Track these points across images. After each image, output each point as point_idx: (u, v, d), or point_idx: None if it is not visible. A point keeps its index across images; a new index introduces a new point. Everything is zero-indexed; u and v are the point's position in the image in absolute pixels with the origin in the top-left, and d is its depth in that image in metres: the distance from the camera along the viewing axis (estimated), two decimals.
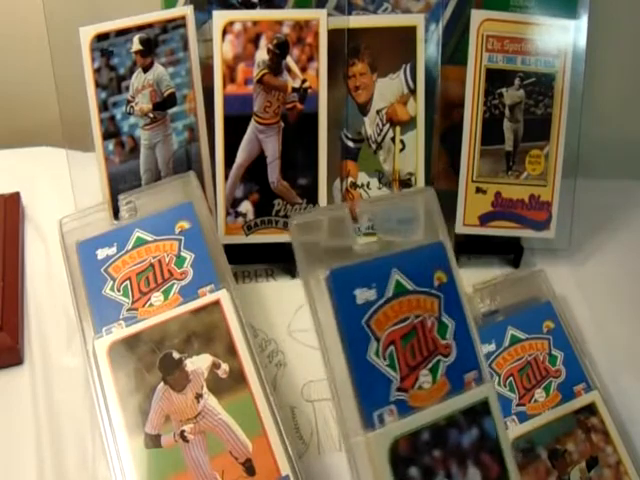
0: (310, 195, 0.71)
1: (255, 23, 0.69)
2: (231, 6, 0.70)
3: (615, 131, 0.91)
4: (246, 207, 0.71)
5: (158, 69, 0.68)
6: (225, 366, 0.56)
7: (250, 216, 0.71)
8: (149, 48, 0.67)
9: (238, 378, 0.56)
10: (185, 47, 0.68)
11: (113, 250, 0.60)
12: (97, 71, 0.66)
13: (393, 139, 0.73)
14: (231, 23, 0.68)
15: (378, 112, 0.72)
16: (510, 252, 0.77)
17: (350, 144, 0.73)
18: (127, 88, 0.67)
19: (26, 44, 0.82)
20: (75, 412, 0.61)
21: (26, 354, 0.65)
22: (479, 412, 0.50)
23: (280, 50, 0.69)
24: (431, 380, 0.49)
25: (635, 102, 0.91)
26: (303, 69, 0.69)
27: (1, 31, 0.83)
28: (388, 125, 0.72)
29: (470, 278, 0.68)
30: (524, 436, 0.61)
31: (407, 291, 0.50)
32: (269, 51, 0.69)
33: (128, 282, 0.59)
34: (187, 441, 0.54)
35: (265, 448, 0.53)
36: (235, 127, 0.69)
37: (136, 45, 0.67)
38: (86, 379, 0.57)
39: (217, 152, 0.70)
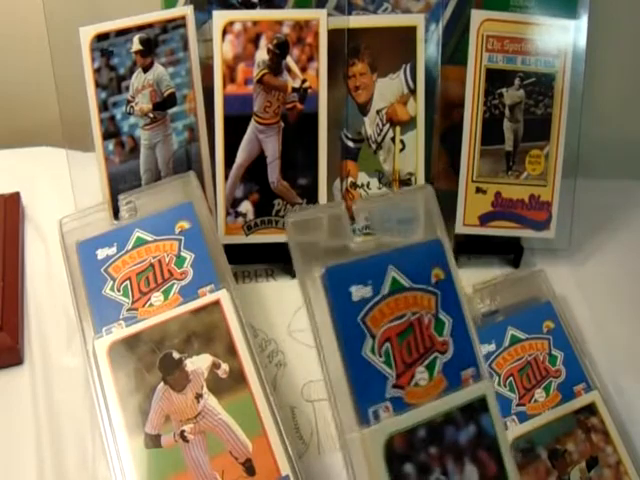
0: (310, 195, 0.71)
1: (255, 23, 0.69)
2: (231, 6, 0.70)
3: (615, 131, 0.91)
4: (246, 207, 0.71)
5: (158, 69, 0.68)
6: (225, 366, 0.56)
7: (250, 216, 0.71)
8: (149, 48, 0.67)
9: (238, 378, 0.56)
10: (185, 47, 0.68)
11: (113, 250, 0.60)
12: (97, 71, 0.66)
13: (393, 139, 0.73)
14: (231, 23, 0.68)
15: (378, 112, 0.72)
16: (510, 252, 0.77)
17: (350, 144, 0.73)
18: (127, 88, 0.67)
19: (26, 44, 0.82)
20: (75, 412, 0.61)
21: (26, 354, 0.65)
22: (476, 409, 0.50)
23: (280, 50, 0.69)
24: (427, 377, 0.49)
25: (635, 102, 0.91)
26: (303, 69, 0.69)
27: (1, 31, 0.83)
28: (388, 125, 0.72)
29: (470, 278, 0.68)
30: (524, 436, 0.61)
31: (403, 288, 0.50)
32: (269, 51, 0.69)
33: (128, 282, 0.59)
34: (187, 441, 0.54)
35: (265, 448, 0.53)
36: (235, 127, 0.69)
37: (136, 45, 0.67)
38: (86, 379, 0.57)
39: (217, 152, 0.70)
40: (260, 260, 0.74)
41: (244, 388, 0.55)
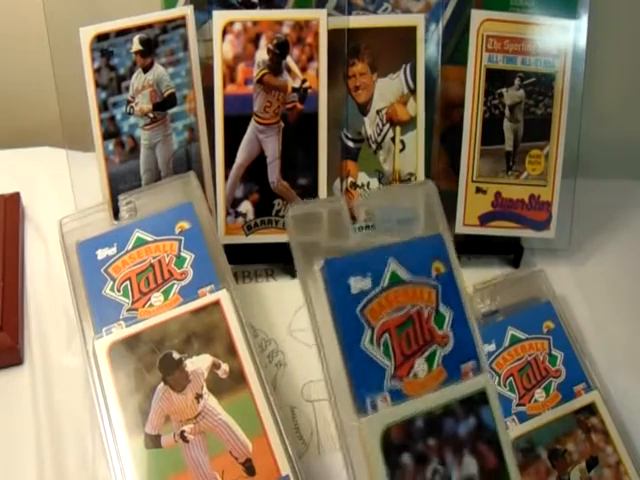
0: (310, 195, 0.71)
1: (255, 23, 0.69)
2: (231, 6, 0.70)
3: (615, 131, 0.91)
4: (246, 207, 0.71)
5: (158, 69, 0.68)
6: (225, 366, 0.56)
7: (250, 216, 0.71)
8: (149, 48, 0.67)
9: (238, 378, 0.56)
10: (185, 47, 0.68)
11: (113, 250, 0.60)
12: (97, 71, 0.66)
13: (393, 139, 0.73)
14: (231, 23, 0.68)
15: (378, 112, 0.72)
16: (510, 252, 0.77)
17: (350, 144, 0.73)
18: (127, 88, 0.67)
19: (26, 44, 0.82)
20: (75, 412, 0.61)
21: (26, 354, 0.65)
22: (477, 402, 0.50)
23: (280, 50, 0.69)
24: (427, 369, 0.49)
25: (635, 102, 0.91)
26: (303, 69, 0.69)
27: (1, 31, 0.83)
28: (388, 125, 0.72)
29: (470, 278, 0.67)
30: (524, 436, 0.61)
31: (403, 281, 0.50)
32: (269, 51, 0.69)
33: (128, 282, 0.59)
34: (187, 441, 0.54)
35: (265, 448, 0.53)
36: (235, 127, 0.69)
37: (136, 45, 0.67)
38: (86, 379, 0.57)
39: (217, 152, 0.70)
40: (260, 260, 0.74)
41: (244, 388, 0.55)
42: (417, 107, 0.72)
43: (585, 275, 0.77)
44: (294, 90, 0.69)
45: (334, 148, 0.72)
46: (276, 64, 0.69)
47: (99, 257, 0.60)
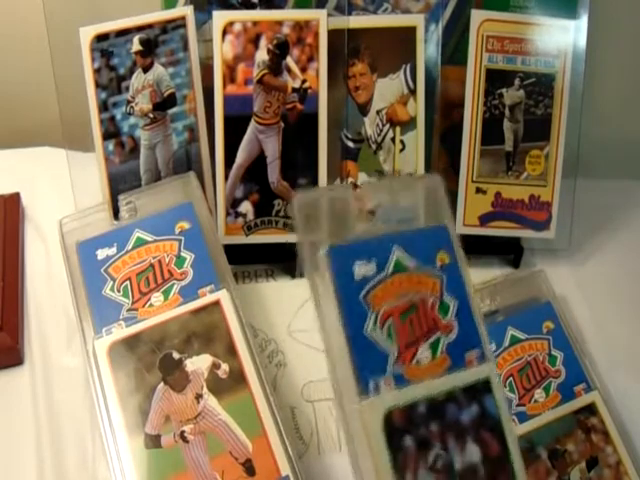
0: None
1: (255, 23, 0.69)
2: (231, 6, 0.70)
3: (615, 131, 0.91)
4: (246, 207, 0.71)
5: (158, 69, 0.68)
6: (225, 366, 0.56)
7: (250, 216, 0.71)
8: (149, 48, 0.67)
9: (238, 378, 0.56)
10: (185, 47, 0.68)
11: (113, 250, 0.60)
12: (97, 71, 0.66)
13: (393, 139, 0.73)
14: (231, 23, 0.68)
15: (378, 112, 0.72)
16: (510, 252, 0.77)
17: (350, 144, 0.73)
18: (127, 88, 0.67)
19: (26, 44, 0.82)
20: (75, 412, 0.61)
21: (26, 354, 0.65)
22: (480, 390, 0.49)
23: (280, 50, 0.69)
24: (430, 356, 0.49)
25: (635, 102, 0.91)
26: (303, 69, 0.69)
27: (1, 31, 0.83)
28: (388, 125, 0.72)
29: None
30: (524, 436, 0.61)
31: (408, 269, 0.50)
32: (269, 51, 0.69)
33: (128, 282, 0.59)
34: (187, 441, 0.54)
35: (265, 448, 0.54)
36: (235, 127, 0.69)
37: (136, 45, 0.67)
38: (86, 379, 0.57)
39: (217, 152, 0.70)
40: (260, 260, 0.74)
41: (244, 388, 0.55)
42: (417, 107, 0.72)
43: (585, 275, 0.77)
44: (294, 90, 0.70)
45: (334, 148, 0.72)
46: (276, 64, 0.69)
47: (99, 257, 0.60)
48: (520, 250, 0.77)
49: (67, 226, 0.63)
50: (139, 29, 0.67)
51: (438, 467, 0.47)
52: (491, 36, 0.71)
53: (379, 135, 0.73)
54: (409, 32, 0.71)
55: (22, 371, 0.64)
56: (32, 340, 0.66)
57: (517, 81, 0.72)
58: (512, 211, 0.74)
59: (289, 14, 0.69)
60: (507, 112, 0.73)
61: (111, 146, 0.68)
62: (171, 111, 0.69)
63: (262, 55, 0.69)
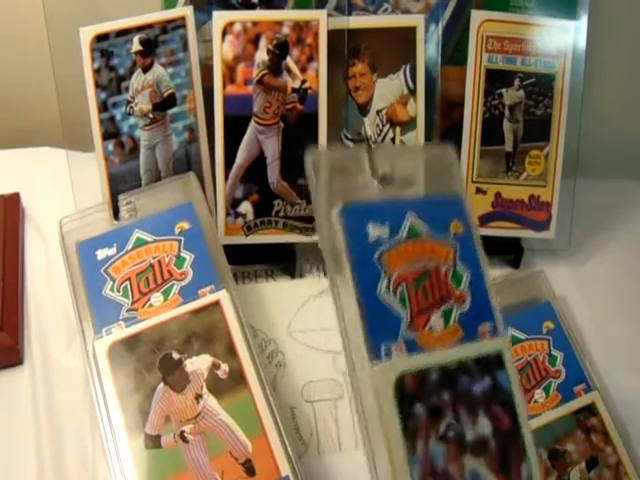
0: (310, 195, 0.71)
1: (255, 24, 0.69)
2: (231, 6, 0.70)
3: (615, 131, 0.91)
4: (246, 207, 0.71)
5: (158, 69, 0.68)
6: (225, 366, 0.56)
7: (250, 216, 0.71)
8: (149, 48, 0.67)
9: (238, 378, 0.56)
10: (185, 48, 0.68)
11: (113, 250, 0.60)
12: (97, 71, 0.66)
13: (393, 139, 0.73)
14: (231, 24, 0.68)
15: (378, 112, 0.72)
16: (510, 252, 0.77)
17: (350, 144, 0.73)
18: (127, 88, 0.67)
19: (26, 44, 0.82)
20: (75, 412, 0.61)
21: (26, 354, 0.65)
22: (492, 363, 0.48)
23: (280, 51, 0.69)
24: (443, 324, 0.48)
25: (635, 102, 0.91)
26: (303, 69, 0.69)
27: (1, 31, 0.83)
28: (388, 125, 0.72)
29: None
30: None
31: (421, 235, 0.49)
32: (269, 52, 0.69)
33: (128, 282, 0.59)
34: (187, 441, 0.54)
35: (265, 448, 0.54)
36: (235, 128, 0.69)
37: (136, 46, 0.67)
38: (86, 379, 0.57)
39: (217, 152, 0.70)
40: (260, 260, 0.74)
41: (244, 388, 0.55)
42: (417, 107, 0.72)
43: (585, 275, 0.77)
44: (294, 90, 0.69)
45: None
46: (276, 65, 0.69)
47: (99, 257, 0.60)
48: (520, 250, 0.77)
49: (67, 226, 0.63)
50: (139, 29, 0.67)
51: (449, 437, 0.46)
52: (491, 36, 0.71)
53: (379, 135, 0.73)
54: (409, 32, 0.71)
55: (22, 371, 0.64)
56: (32, 340, 0.66)
57: (517, 81, 0.72)
58: (512, 211, 0.74)
59: (289, 14, 0.69)
60: (507, 112, 0.73)
61: (111, 146, 0.68)
62: (171, 111, 0.69)
63: (262, 55, 0.69)
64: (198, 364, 0.56)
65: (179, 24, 0.68)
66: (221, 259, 0.62)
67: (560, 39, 0.72)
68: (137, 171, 0.69)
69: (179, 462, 0.53)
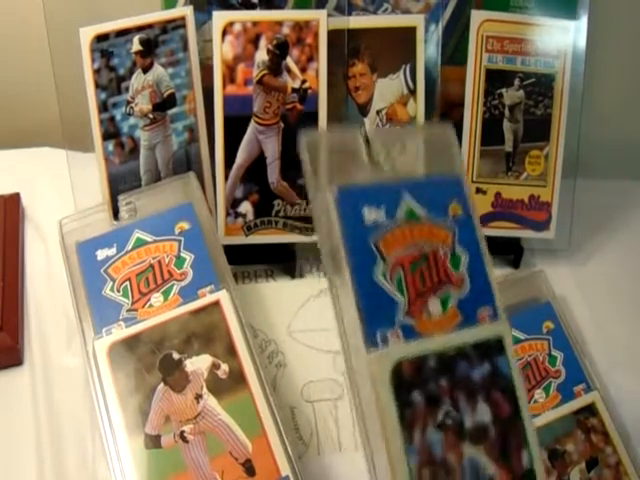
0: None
1: (255, 24, 0.69)
2: (231, 6, 0.70)
3: (615, 131, 0.91)
4: (246, 208, 0.71)
5: (158, 70, 0.68)
6: (225, 367, 0.56)
7: (250, 217, 0.71)
8: (149, 49, 0.67)
9: (238, 379, 0.56)
10: (185, 48, 0.68)
11: (113, 251, 0.60)
12: (97, 72, 0.66)
13: None
14: (231, 24, 0.68)
15: (378, 112, 0.72)
16: (510, 252, 0.77)
17: None
18: (127, 89, 0.68)
19: (26, 44, 0.82)
20: (75, 412, 0.61)
21: (26, 354, 0.65)
22: (492, 348, 0.47)
23: (280, 51, 0.69)
24: (441, 309, 0.47)
25: (635, 102, 0.91)
26: (303, 69, 0.69)
27: (1, 31, 0.83)
28: (388, 126, 0.72)
29: None
30: None
31: (418, 218, 0.48)
32: (269, 52, 0.69)
33: (128, 283, 0.59)
34: (187, 441, 0.54)
35: (265, 448, 0.54)
36: (235, 128, 0.69)
37: (136, 46, 0.67)
38: (86, 379, 0.57)
39: (217, 153, 0.70)
40: (260, 261, 0.74)
41: (244, 389, 0.55)
42: (417, 107, 0.72)
43: (585, 275, 0.77)
44: (294, 91, 0.70)
45: None
46: (276, 65, 0.69)
47: (99, 257, 0.60)
48: (520, 250, 0.77)
49: (67, 226, 0.63)
50: (139, 29, 0.67)
51: (448, 425, 0.45)
52: (491, 36, 0.71)
53: None
54: (409, 32, 0.71)
55: (22, 371, 0.64)
56: (32, 340, 0.66)
57: (517, 81, 0.72)
58: (512, 211, 0.74)
59: (289, 14, 0.69)
60: (507, 112, 0.73)
61: (111, 146, 0.68)
62: (171, 111, 0.69)
63: (262, 55, 0.69)
64: (198, 364, 0.56)
65: (179, 24, 0.68)
66: (221, 259, 0.62)
67: (560, 39, 0.72)
68: (137, 171, 0.69)
69: (179, 462, 0.53)
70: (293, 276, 0.73)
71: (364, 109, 0.73)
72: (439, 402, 0.45)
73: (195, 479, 0.52)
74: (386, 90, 0.72)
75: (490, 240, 0.74)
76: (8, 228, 0.72)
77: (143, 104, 0.68)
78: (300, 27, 0.69)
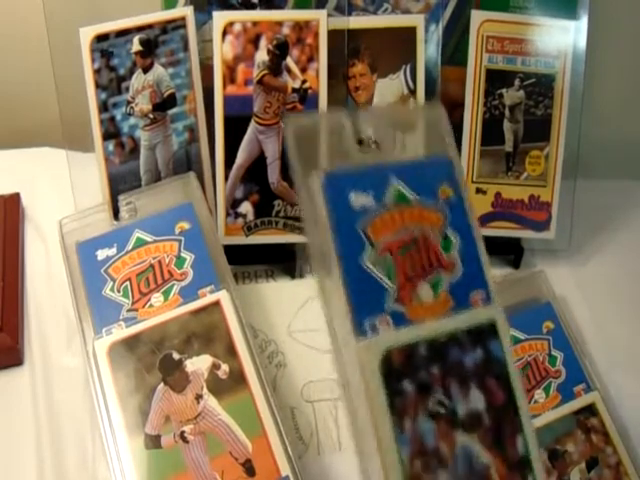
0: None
1: (255, 24, 0.69)
2: (231, 7, 0.70)
3: (615, 131, 0.91)
4: (246, 208, 0.71)
5: (158, 70, 0.68)
6: (225, 367, 0.56)
7: (250, 217, 0.71)
8: (149, 49, 0.67)
9: (238, 379, 0.56)
10: (185, 48, 0.68)
11: (113, 251, 0.60)
12: (97, 72, 0.66)
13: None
14: (231, 24, 0.68)
15: None
16: (510, 253, 0.77)
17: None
18: (127, 89, 0.67)
19: (26, 44, 0.82)
20: (75, 412, 0.61)
21: (26, 354, 0.65)
22: (485, 333, 0.46)
23: (280, 51, 0.69)
24: (432, 294, 0.46)
25: (635, 102, 0.91)
26: (303, 70, 0.69)
27: (1, 31, 0.83)
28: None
29: None
30: None
31: (408, 201, 0.47)
32: (269, 52, 0.69)
33: (128, 283, 0.59)
34: (187, 442, 0.54)
35: (265, 449, 0.54)
36: (235, 128, 0.69)
37: (136, 46, 0.67)
38: (86, 379, 0.57)
39: (217, 153, 0.70)
40: (260, 261, 0.74)
41: (244, 389, 0.55)
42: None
43: (585, 276, 0.77)
44: (294, 91, 0.70)
45: None
46: (276, 65, 0.69)
47: (99, 257, 0.60)
48: (520, 250, 0.77)
49: (67, 226, 0.63)
50: (139, 29, 0.67)
51: (440, 413, 0.44)
52: (491, 36, 0.71)
53: None
54: (409, 32, 0.71)
55: (22, 371, 0.64)
56: (32, 340, 0.66)
57: (517, 81, 0.72)
58: (512, 211, 0.74)
59: (289, 14, 0.69)
60: (507, 112, 0.73)
61: (111, 146, 0.68)
62: (171, 111, 0.69)
63: (262, 55, 0.69)
64: (198, 364, 0.56)
65: (179, 24, 0.68)
66: (221, 259, 0.62)
67: (560, 39, 0.72)
68: (137, 171, 0.69)
69: (179, 462, 0.53)
70: (293, 276, 0.73)
71: None
72: (430, 390, 0.44)
73: (195, 479, 0.52)
74: (386, 90, 0.72)
75: (490, 240, 0.74)
76: (8, 228, 0.72)
77: (143, 104, 0.68)
78: (300, 27, 0.69)
